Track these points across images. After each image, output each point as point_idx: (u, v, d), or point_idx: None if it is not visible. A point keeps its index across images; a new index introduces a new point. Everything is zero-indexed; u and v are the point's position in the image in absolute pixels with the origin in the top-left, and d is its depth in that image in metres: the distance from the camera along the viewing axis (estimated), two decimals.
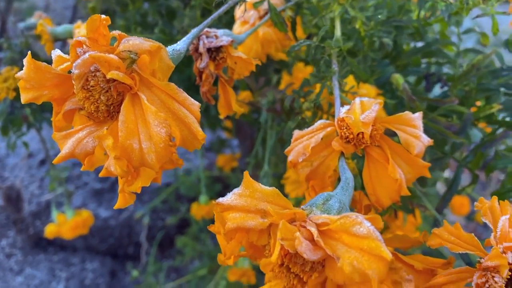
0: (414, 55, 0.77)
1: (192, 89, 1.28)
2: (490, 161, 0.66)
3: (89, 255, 2.25)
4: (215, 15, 0.51)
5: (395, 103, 0.71)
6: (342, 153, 0.46)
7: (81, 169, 0.44)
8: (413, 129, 0.46)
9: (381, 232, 0.32)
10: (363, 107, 0.44)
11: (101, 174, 0.42)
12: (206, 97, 0.55)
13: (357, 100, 0.45)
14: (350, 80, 0.68)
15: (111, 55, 0.35)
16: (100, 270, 2.20)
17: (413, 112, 0.55)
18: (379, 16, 0.66)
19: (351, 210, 0.42)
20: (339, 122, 0.46)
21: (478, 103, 0.71)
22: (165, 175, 2.22)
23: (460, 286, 0.40)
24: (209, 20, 0.50)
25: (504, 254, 0.38)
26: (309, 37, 0.83)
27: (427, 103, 0.66)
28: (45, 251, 2.29)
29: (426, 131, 0.59)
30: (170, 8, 0.99)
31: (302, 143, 0.46)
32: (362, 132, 0.44)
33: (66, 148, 0.38)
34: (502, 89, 0.67)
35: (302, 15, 0.74)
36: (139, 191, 0.40)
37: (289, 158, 0.46)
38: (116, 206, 0.41)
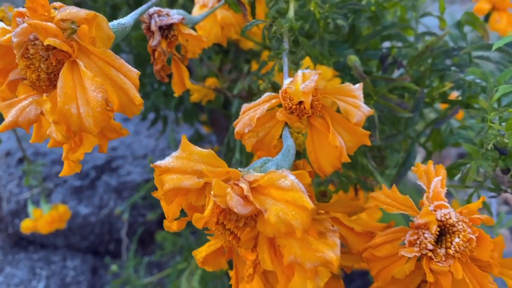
0: (372, 39, 0.79)
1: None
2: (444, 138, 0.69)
3: (69, 253, 2.24)
4: None
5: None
6: (286, 124, 0.48)
7: (30, 141, 0.45)
8: (353, 99, 0.47)
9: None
10: (304, 78, 0.46)
11: (49, 145, 0.43)
12: (160, 75, 0.56)
13: (299, 72, 0.47)
14: (307, 62, 0.70)
15: (49, 23, 0.36)
16: (81, 268, 2.19)
17: (368, 90, 0.57)
18: None
19: None
20: (283, 93, 0.47)
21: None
22: (145, 171, 2.22)
23: (395, 245, 0.42)
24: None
25: (434, 212, 0.40)
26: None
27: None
28: (25, 250, 2.27)
29: (377, 107, 0.61)
30: None
31: (249, 115, 0.48)
32: (303, 102, 0.45)
33: (9, 117, 0.39)
34: (453, 68, 0.69)
35: None
36: (81, 158, 0.41)
37: (236, 129, 0.47)
38: (61, 174, 0.42)
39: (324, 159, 0.47)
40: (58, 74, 0.38)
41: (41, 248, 2.26)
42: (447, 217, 0.39)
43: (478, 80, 0.53)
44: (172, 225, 0.41)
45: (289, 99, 0.47)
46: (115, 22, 0.44)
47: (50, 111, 0.35)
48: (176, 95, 0.57)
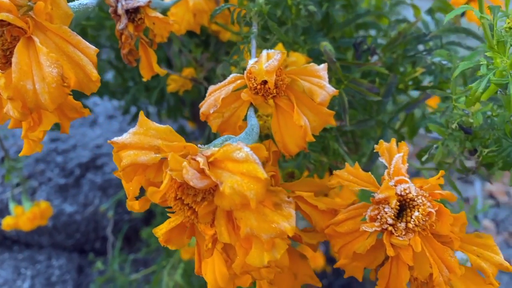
0: (347, 26, 0.80)
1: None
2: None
3: (55, 251, 2.22)
4: None
5: None
6: (251, 104, 0.48)
7: None
8: (318, 79, 0.48)
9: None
10: (268, 58, 0.46)
11: (9, 126, 0.43)
12: (127, 59, 0.55)
13: (264, 51, 0.47)
14: (280, 49, 0.70)
15: None
16: (66, 267, 2.17)
17: (338, 75, 0.57)
18: None
19: None
20: (248, 74, 0.47)
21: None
22: None
23: (357, 221, 0.42)
24: None
25: (394, 187, 0.41)
26: None
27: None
28: (9, 250, 2.24)
29: (349, 92, 0.62)
30: None
31: (214, 96, 0.48)
32: (268, 81, 0.45)
33: None
34: (424, 54, 0.70)
35: None
36: (41, 136, 0.40)
37: (201, 110, 0.47)
38: (21, 153, 0.41)
39: (289, 139, 0.47)
40: (13, 51, 0.38)
41: (26, 247, 2.24)
42: (407, 191, 0.40)
43: (444, 62, 0.53)
44: (134, 204, 0.41)
45: (254, 79, 0.47)
46: (76, 2, 0.44)
47: (4, 87, 0.35)
48: (144, 79, 0.57)
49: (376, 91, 0.64)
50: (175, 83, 0.87)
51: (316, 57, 0.80)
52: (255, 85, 0.47)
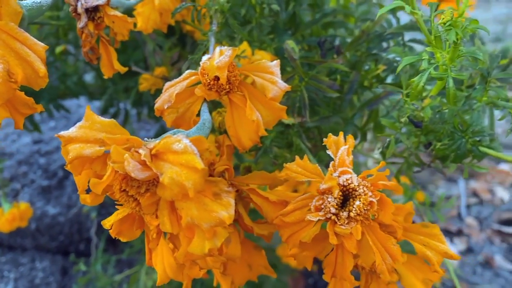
0: (313, 25, 0.81)
1: (129, 74, 1.28)
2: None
3: (38, 254, 2.21)
4: None
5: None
6: (205, 99, 0.49)
7: None
8: (271, 75, 0.49)
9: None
10: (220, 54, 0.47)
11: None
12: (88, 57, 0.56)
13: (217, 48, 0.48)
14: (244, 47, 0.71)
15: None
16: (50, 269, 2.16)
17: (298, 72, 0.58)
18: None
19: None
20: (201, 70, 0.48)
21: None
22: None
23: (304, 211, 0.43)
24: None
25: (337, 178, 0.42)
26: None
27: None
28: None
29: (311, 90, 0.63)
30: None
31: (169, 91, 0.49)
32: (220, 78, 0.47)
33: None
34: (385, 53, 0.72)
35: None
36: None
37: (155, 106, 0.48)
38: None
39: (243, 133, 0.48)
40: None
41: (8, 250, 2.22)
42: (349, 181, 0.41)
43: (398, 58, 0.55)
44: (85, 197, 0.42)
45: (207, 75, 0.48)
46: (29, 0, 0.45)
47: None
48: (105, 77, 0.58)
49: (336, 88, 0.65)
50: (147, 82, 0.88)
51: (283, 55, 0.81)
52: (208, 81, 0.48)
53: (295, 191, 0.83)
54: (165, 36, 1.10)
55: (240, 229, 0.48)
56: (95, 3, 0.54)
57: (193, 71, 0.50)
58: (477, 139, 0.54)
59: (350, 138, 0.45)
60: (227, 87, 0.48)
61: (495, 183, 3.03)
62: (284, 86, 0.49)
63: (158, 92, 0.95)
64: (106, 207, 2.21)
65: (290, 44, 0.71)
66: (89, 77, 1.50)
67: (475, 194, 3.07)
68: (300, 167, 0.45)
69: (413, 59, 0.43)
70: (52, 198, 2.17)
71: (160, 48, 1.09)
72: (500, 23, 4.14)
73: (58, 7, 0.85)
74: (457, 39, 0.39)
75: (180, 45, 1.14)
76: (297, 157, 0.46)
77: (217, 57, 0.47)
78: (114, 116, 1.35)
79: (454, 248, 2.62)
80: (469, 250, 2.64)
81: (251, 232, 0.47)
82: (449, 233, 2.75)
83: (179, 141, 0.34)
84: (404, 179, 1.03)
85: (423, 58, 0.43)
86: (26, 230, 2.14)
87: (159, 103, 0.48)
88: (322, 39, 0.75)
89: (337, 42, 0.81)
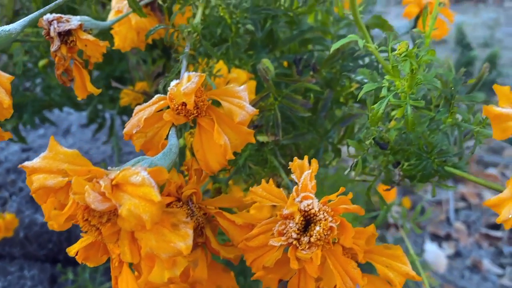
0: (291, 42, 0.82)
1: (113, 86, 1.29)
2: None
3: (27, 262, 2.21)
4: (59, 1, 0.54)
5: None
6: (173, 124, 0.50)
7: None
8: (238, 100, 0.50)
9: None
10: (188, 81, 0.48)
11: None
12: (61, 80, 0.57)
13: (185, 74, 0.49)
14: (220, 65, 0.72)
15: None
16: (39, 277, 2.15)
17: (271, 92, 0.60)
18: (244, 4, 0.71)
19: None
20: (169, 96, 0.49)
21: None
22: None
23: (268, 235, 0.44)
24: (51, 5, 0.53)
25: (299, 203, 0.43)
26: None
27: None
28: None
29: (282, 107, 0.64)
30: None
31: (138, 115, 0.50)
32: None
33: None
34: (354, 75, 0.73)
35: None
36: None
37: (124, 130, 0.49)
38: None
39: (211, 157, 0.49)
40: None
41: None
42: (310, 207, 0.42)
43: (366, 80, 0.56)
44: (53, 223, 0.42)
45: (175, 100, 0.49)
46: None
47: None
48: (79, 98, 0.59)
49: (309, 106, 0.66)
50: (128, 96, 0.89)
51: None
52: (176, 106, 0.49)
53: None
54: (149, 49, 1.10)
55: (208, 251, 0.49)
56: (67, 28, 0.55)
57: (162, 95, 0.51)
58: (443, 159, 0.55)
59: (314, 162, 0.46)
60: (195, 112, 0.49)
61: (483, 187, 3.06)
62: (251, 110, 0.50)
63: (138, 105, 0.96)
64: None
65: (265, 63, 0.73)
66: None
67: (463, 198, 3.10)
68: (265, 191, 0.46)
69: (373, 86, 0.45)
70: (41, 206, 2.16)
71: (144, 62, 1.09)
72: (489, 28, 4.19)
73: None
74: (413, 70, 0.40)
75: (165, 57, 1.15)
76: (263, 181, 0.47)
77: (185, 83, 0.48)
78: (99, 127, 1.36)
79: (442, 252, 2.64)
80: (457, 254, 2.66)
81: (218, 255, 0.48)
82: (437, 238, 2.77)
83: (137, 173, 0.35)
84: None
85: (383, 85, 0.44)
86: (14, 239, 2.13)
87: (128, 127, 0.49)
88: (298, 57, 0.77)
89: (314, 58, 0.82)
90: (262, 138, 0.66)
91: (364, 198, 0.62)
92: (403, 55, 0.41)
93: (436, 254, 2.67)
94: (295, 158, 0.48)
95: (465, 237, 2.86)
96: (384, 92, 0.44)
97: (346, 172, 0.56)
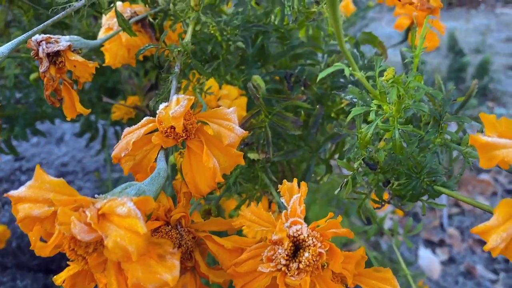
0: (282, 58, 0.82)
1: (107, 96, 1.29)
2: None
3: (20, 272, 2.19)
4: (48, 21, 0.54)
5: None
6: (162, 147, 0.50)
7: None
8: (228, 122, 0.50)
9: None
10: (177, 103, 0.48)
11: None
12: (50, 100, 0.57)
13: (174, 96, 0.49)
14: (211, 82, 0.73)
15: None
16: (31, 287, 2.13)
17: (262, 109, 0.59)
18: (235, 22, 0.71)
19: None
20: (158, 119, 0.49)
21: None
22: (96, 186, 2.20)
23: (257, 261, 0.44)
24: (40, 27, 0.53)
25: (288, 229, 0.43)
26: None
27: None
28: None
29: (273, 124, 0.64)
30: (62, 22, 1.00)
31: (127, 139, 0.49)
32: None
33: None
34: (350, 86, 0.73)
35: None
36: None
37: (112, 153, 0.49)
38: None
39: (200, 180, 0.49)
40: None
41: None
42: (299, 233, 0.42)
43: (355, 100, 0.57)
44: (39, 251, 0.42)
45: (163, 124, 0.49)
46: None
47: None
48: (68, 119, 0.58)
49: (300, 124, 0.66)
50: (119, 111, 0.89)
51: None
52: (165, 129, 0.49)
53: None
54: (142, 61, 1.10)
55: (197, 275, 0.49)
56: (56, 49, 0.55)
57: (151, 118, 0.51)
58: (433, 178, 0.55)
59: (303, 186, 0.46)
60: (184, 134, 0.49)
61: (476, 193, 3.07)
62: (241, 132, 0.50)
63: (130, 120, 0.95)
64: None
65: (255, 80, 0.73)
66: None
67: (456, 204, 3.11)
68: (254, 215, 0.46)
69: (361, 110, 0.45)
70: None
71: (136, 75, 1.09)
72: (480, 34, 4.23)
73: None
74: (400, 96, 0.41)
75: (158, 68, 1.15)
76: (253, 204, 0.47)
77: (173, 106, 0.48)
78: (92, 138, 1.35)
79: (436, 258, 2.65)
80: (451, 260, 2.67)
81: (207, 279, 0.47)
82: (431, 244, 2.77)
83: (123, 204, 0.35)
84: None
85: (371, 109, 0.44)
86: (7, 248, 2.12)
87: (116, 150, 0.49)
88: (288, 73, 0.77)
89: (305, 73, 0.82)
90: (253, 156, 0.66)
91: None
92: (390, 81, 0.41)
93: (430, 260, 2.68)
94: (284, 181, 0.48)
95: (458, 243, 2.86)
96: (372, 116, 0.44)
97: (336, 192, 0.56)
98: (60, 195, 0.38)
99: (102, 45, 0.71)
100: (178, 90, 0.70)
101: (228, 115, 0.50)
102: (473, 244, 2.79)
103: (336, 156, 0.80)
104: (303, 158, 0.79)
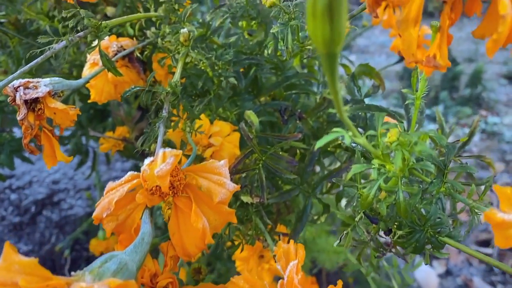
0: (276, 89, 0.79)
1: (97, 119, 1.25)
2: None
3: None
4: (26, 67, 0.50)
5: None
6: (147, 206, 0.46)
7: None
8: (218, 176, 0.46)
9: None
10: (163, 158, 0.45)
11: None
12: (29, 149, 0.53)
13: (160, 151, 0.46)
14: (202, 118, 0.69)
15: None
16: None
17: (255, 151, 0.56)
18: (227, 56, 0.67)
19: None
20: (143, 177, 0.46)
21: None
22: (87, 204, 2.16)
23: None
24: (19, 72, 0.49)
25: None
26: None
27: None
28: None
29: (266, 166, 0.61)
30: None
31: (109, 197, 0.46)
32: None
33: None
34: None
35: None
36: None
37: (93, 214, 0.45)
38: None
39: (189, 241, 0.46)
40: None
41: None
42: None
43: (354, 144, 0.53)
44: None
45: (148, 182, 0.45)
46: None
47: None
48: (48, 168, 0.55)
49: (295, 164, 0.63)
50: (108, 143, 0.85)
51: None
52: (151, 186, 0.45)
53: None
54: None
55: None
56: (34, 96, 0.51)
57: (135, 173, 0.47)
58: (437, 230, 0.52)
59: (300, 249, 0.43)
60: (171, 192, 0.45)
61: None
62: (232, 187, 0.47)
63: (121, 152, 0.92)
64: (81, 243, 2.15)
65: (248, 115, 0.69)
66: None
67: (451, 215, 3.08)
68: (247, 284, 0.42)
69: (362, 167, 0.42)
70: (24, 235, 2.11)
71: (126, 101, 1.06)
72: (473, 43, 4.23)
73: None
74: (405, 158, 0.37)
75: (144, 112, 1.11)
76: (245, 272, 0.44)
77: (159, 163, 0.44)
78: (81, 163, 1.31)
79: (433, 271, 2.62)
80: (448, 273, 2.64)
81: None
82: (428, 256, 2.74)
83: None
84: None
85: (373, 166, 0.41)
86: None
87: (97, 210, 0.45)
88: (283, 107, 0.74)
89: (299, 105, 0.79)
90: (246, 199, 0.63)
91: None
92: (394, 144, 0.38)
93: (427, 273, 2.65)
94: (280, 243, 0.44)
95: (455, 255, 2.84)
96: (374, 175, 0.41)
97: (335, 244, 0.52)
98: (30, 278, 0.34)
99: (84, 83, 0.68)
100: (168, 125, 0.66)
101: (219, 169, 0.47)
102: (470, 256, 2.76)
103: (333, 191, 0.77)
104: (299, 197, 0.75)
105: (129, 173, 0.47)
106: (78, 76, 0.87)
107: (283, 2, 0.59)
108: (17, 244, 2.04)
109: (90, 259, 2.09)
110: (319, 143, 0.33)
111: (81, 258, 2.10)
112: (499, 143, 3.21)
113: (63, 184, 2.26)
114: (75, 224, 2.12)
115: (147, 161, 0.46)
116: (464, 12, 0.38)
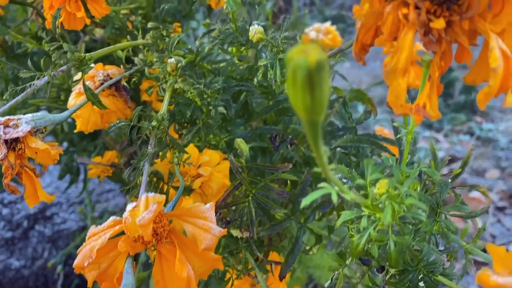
0: (267, 113, 0.78)
1: (88, 137, 1.23)
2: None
3: None
4: (6, 106, 0.49)
5: None
6: (129, 254, 0.45)
7: None
8: (204, 221, 0.45)
9: None
10: (146, 205, 0.43)
11: None
12: (10, 189, 0.51)
13: (143, 196, 0.44)
14: (191, 148, 0.68)
15: None
16: None
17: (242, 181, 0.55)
18: (216, 85, 0.66)
19: None
20: (125, 225, 0.44)
21: None
22: (80, 218, 2.14)
23: None
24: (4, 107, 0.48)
25: None
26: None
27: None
28: None
29: (255, 199, 0.59)
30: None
31: (90, 244, 0.44)
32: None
33: None
34: (338, 149, 0.69)
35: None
36: None
37: (74, 263, 0.44)
38: None
39: None
40: None
41: None
42: None
43: (345, 180, 0.52)
44: None
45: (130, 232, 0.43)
46: None
47: None
48: (30, 207, 0.53)
49: (286, 195, 0.62)
50: (96, 168, 0.83)
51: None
52: (133, 235, 0.44)
53: None
54: None
55: None
56: (14, 135, 0.50)
57: (117, 218, 0.46)
58: (431, 269, 0.51)
59: None
60: (154, 240, 0.44)
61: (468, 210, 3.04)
62: (218, 231, 0.45)
63: (109, 177, 0.90)
64: (73, 258, 2.13)
65: (238, 144, 0.68)
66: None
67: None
68: None
69: (353, 214, 0.40)
70: (16, 250, 2.09)
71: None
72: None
73: None
74: (395, 211, 0.36)
75: (129, 145, 1.10)
76: None
77: (141, 211, 0.43)
78: (72, 182, 1.30)
79: None
80: None
81: None
82: None
83: None
84: None
85: (363, 214, 0.40)
86: None
87: (79, 259, 0.44)
88: (273, 134, 0.72)
89: (290, 130, 0.78)
90: (235, 233, 0.61)
91: None
92: (384, 196, 0.36)
93: None
94: None
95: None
96: (364, 223, 0.39)
97: (326, 285, 0.51)
98: None
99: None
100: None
101: (204, 213, 0.45)
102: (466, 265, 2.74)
103: (324, 219, 0.75)
104: (291, 227, 0.74)
105: (111, 218, 0.46)
106: (66, 100, 0.85)
107: (271, 34, 0.58)
108: (8, 260, 2.01)
109: (82, 274, 2.07)
110: (305, 201, 0.32)
111: (74, 274, 2.08)
112: (494, 149, 3.20)
113: (56, 198, 2.24)
114: (68, 238, 2.10)
115: (129, 207, 0.45)
116: (455, 60, 0.37)
